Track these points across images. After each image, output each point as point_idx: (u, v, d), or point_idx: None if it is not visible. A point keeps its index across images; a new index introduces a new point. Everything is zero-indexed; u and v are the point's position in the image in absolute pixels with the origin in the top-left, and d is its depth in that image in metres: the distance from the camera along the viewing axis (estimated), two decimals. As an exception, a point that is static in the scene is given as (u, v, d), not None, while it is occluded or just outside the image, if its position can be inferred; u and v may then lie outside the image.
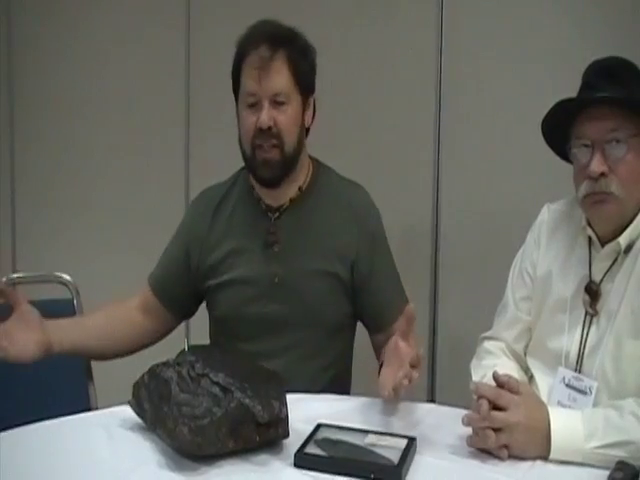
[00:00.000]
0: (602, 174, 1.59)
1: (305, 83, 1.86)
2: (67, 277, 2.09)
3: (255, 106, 1.81)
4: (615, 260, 1.65)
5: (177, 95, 3.13)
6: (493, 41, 2.62)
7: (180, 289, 1.97)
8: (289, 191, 1.90)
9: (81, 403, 1.95)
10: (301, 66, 1.84)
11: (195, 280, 1.95)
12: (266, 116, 1.79)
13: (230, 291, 1.90)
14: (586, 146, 1.62)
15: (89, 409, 1.75)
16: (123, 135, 3.23)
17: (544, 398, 1.67)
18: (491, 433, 1.43)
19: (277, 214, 1.90)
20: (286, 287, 1.87)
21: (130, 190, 3.22)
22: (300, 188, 1.92)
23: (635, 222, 1.63)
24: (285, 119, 1.82)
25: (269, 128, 1.79)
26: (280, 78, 1.81)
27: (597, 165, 1.59)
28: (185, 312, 2.03)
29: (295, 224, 1.90)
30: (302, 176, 1.92)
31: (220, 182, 2.01)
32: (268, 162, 1.83)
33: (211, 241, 1.92)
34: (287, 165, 1.86)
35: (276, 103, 1.80)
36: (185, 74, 3.11)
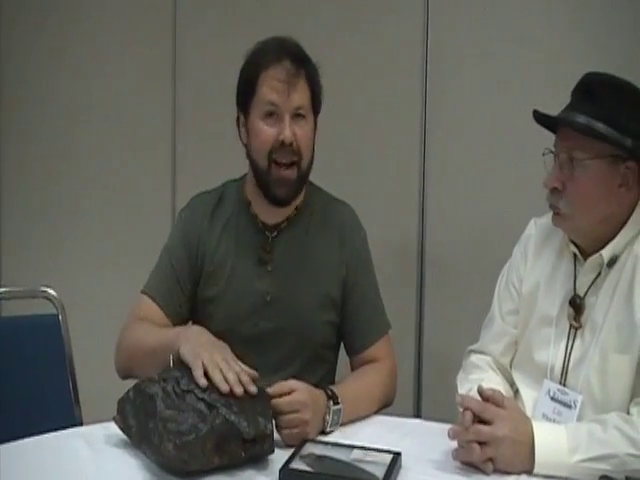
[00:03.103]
0: (555, 189, 1.64)
1: (318, 104, 1.87)
2: (52, 292, 2.07)
3: (273, 117, 1.79)
4: (599, 274, 1.66)
5: (164, 107, 3.12)
6: (478, 55, 2.63)
7: (186, 303, 1.92)
8: (287, 209, 1.89)
9: (66, 419, 1.93)
10: (317, 87, 1.86)
11: (196, 288, 1.92)
12: (289, 131, 1.77)
13: (220, 307, 1.89)
14: (555, 155, 1.66)
15: (74, 425, 1.74)
16: (110, 149, 3.22)
17: (529, 411, 1.68)
18: (476, 447, 1.44)
19: (275, 233, 1.89)
20: (277, 306, 1.86)
21: (117, 204, 3.21)
22: (297, 207, 1.91)
23: (619, 236, 1.64)
24: (304, 134, 1.81)
25: (290, 143, 1.78)
26: (303, 94, 1.81)
27: (550, 180, 1.65)
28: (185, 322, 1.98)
29: (289, 243, 1.90)
30: (300, 195, 1.92)
31: (207, 190, 1.99)
32: (285, 180, 1.81)
33: (206, 248, 1.90)
34: (301, 183, 1.86)
35: (297, 117, 1.80)
36: (172, 86, 3.11)
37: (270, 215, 1.89)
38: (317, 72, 1.86)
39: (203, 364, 1.51)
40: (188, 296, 1.91)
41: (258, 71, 1.81)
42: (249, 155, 1.87)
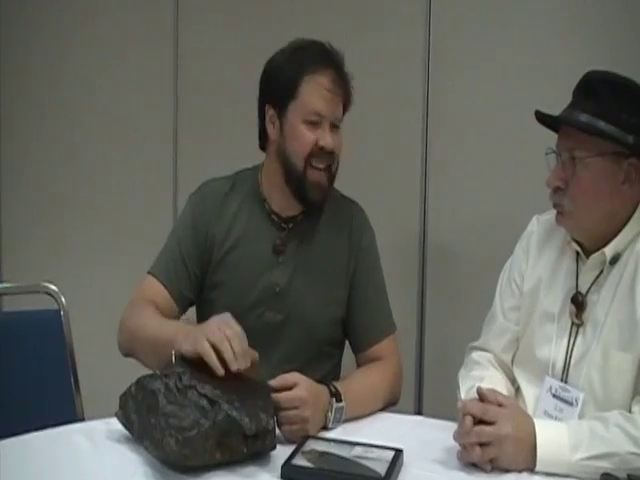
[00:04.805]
0: (558, 188, 1.64)
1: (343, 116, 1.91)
2: (54, 287, 2.07)
3: (314, 124, 1.81)
4: (601, 271, 1.66)
5: (165, 106, 3.13)
6: (480, 55, 2.63)
7: (192, 289, 1.93)
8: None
9: (68, 414, 1.94)
10: (350, 99, 1.89)
11: (203, 273, 1.92)
12: (330, 138, 1.81)
13: (227, 294, 1.90)
14: (557, 154, 1.66)
15: (75, 420, 1.74)
16: (111, 145, 3.22)
17: (530, 408, 1.69)
18: (477, 448, 1.45)
19: (291, 224, 1.91)
20: (286, 298, 1.88)
21: (118, 200, 3.21)
22: None
23: (622, 234, 1.64)
24: (339, 143, 1.85)
25: (331, 151, 1.82)
26: (341, 106, 1.86)
27: (552, 179, 1.65)
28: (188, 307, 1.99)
29: (302, 238, 1.91)
30: None
31: (219, 177, 1.99)
32: (320, 185, 1.84)
33: (216, 234, 1.91)
34: (331, 187, 1.89)
35: (333, 126, 1.84)
36: (173, 85, 3.11)
37: (285, 209, 1.91)
38: (350, 84, 1.88)
39: (209, 341, 1.49)
40: (194, 280, 1.91)
41: (302, 72, 1.81)
42: (280, 152, 1.86)
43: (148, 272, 1.92)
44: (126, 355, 1.84)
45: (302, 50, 1.85)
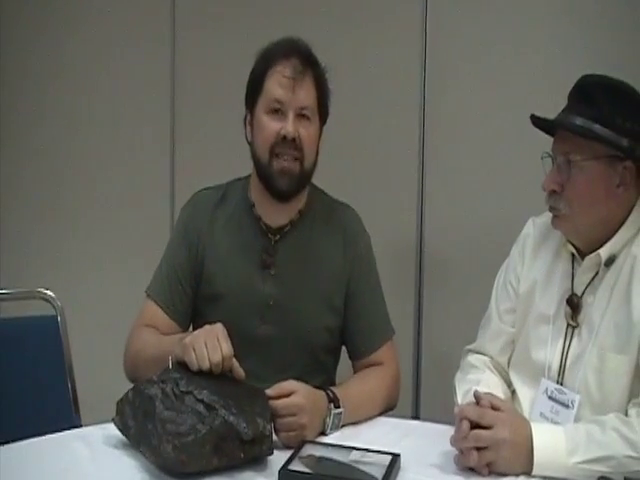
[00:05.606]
0: (554, 191, 1.65)
1: (324, 110, 1.87)
2: (50, 293, 2.06)
3: (278, 113, 1.79)
4: (597, 273, 1.66)
5: (162, 109, 3.13)
6: (477, 56, 2.64)
7: (190, 302, 1.92)
8: (290, 212, 1.89)
9: (65, 420, 1.93)
10: (325, 92, 1.85)
11: (197, 285, 1.91)
12: (292, 127, 1.77)
13: (221, 307, 1.88)
14: (552, 158, 1.67)
15: (73, 426, 1.74)
16: (109, 151, 3.22)
17: (526, 410, 1.69)
18: (474, 452, 1.45)
19: (278, 236, 1.88)
20: (280, 309, 1.85)
21: (116, 205, 3.21)
22: (300, 210, 1.90)
23: (617, 236, 1.65)
24: (308, 135, 1.80)
25: (293, 139, 1.77)
26: (309, 94, 1.81)
27: (547, 182, 1.66)
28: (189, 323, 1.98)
29: (292, 247, 1.89)
30: (303, 198, 1.91)
31: (210, 187, 1.98)
32: (287, 172, 1.79)
33: (207, 245, 1.89)
34: (303, 180, 1.84)
35: (301, 117, 1.79)
36: (170, 88, 3.12)
37: (274, 217, 1.88)
38: (325, 76, 1.85)
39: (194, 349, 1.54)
40: (190, 296, 1.90)
41: (266, 67, 1.81)
42: (253, 153, 1.85)
43: (146, 292, 1.92)
44: (133, 381, 1.81)
45: (269, 49, 1.84)
